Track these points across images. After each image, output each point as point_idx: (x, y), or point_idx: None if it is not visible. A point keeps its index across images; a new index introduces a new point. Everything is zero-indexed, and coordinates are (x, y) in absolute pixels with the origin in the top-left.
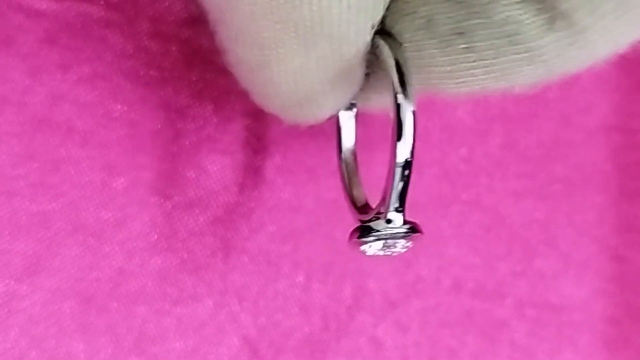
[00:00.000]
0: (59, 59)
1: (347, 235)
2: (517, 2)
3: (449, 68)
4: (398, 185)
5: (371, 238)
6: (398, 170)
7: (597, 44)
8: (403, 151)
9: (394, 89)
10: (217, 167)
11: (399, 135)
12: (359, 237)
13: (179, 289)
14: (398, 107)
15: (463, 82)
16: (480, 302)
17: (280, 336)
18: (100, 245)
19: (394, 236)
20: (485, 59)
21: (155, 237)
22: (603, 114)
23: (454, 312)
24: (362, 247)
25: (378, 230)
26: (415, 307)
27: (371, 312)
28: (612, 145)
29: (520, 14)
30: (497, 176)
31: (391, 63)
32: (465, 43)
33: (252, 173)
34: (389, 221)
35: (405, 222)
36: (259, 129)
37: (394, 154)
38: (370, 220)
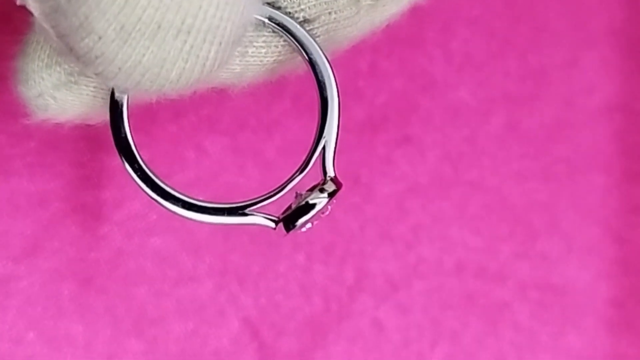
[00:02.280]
0: None
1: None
2: None
3: None
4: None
5: (312, 213)
6: (333, 135)
7: None
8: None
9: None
10: (216, 147)
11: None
12: (295, 222)
13: (178, 270)
14: (314, 67)
15: None
16: (483, 284)
17: (281, 318)
18: (99, 225)
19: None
20: None
21: (155, 217)
22: (605, 95)
23: (456, 294)
24: (304, 227)
25: (315, 205)
26: (417, 288)
27: (373, 293)
28: (615, 126)
29: None
30: (500, 158)
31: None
32: None
33: (251, 154)
34: (322, 190)
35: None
36: (259, 110)
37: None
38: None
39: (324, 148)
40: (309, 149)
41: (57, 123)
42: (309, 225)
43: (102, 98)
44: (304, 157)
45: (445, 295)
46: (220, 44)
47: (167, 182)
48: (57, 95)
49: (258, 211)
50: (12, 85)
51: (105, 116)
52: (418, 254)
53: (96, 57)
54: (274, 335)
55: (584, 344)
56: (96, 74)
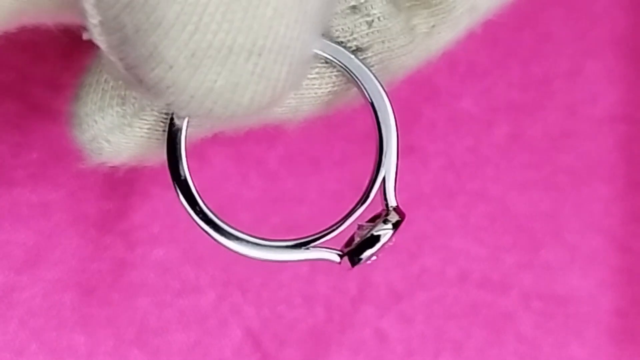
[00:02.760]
0: (60, 48)
1: (344, 265)
2: None
3: None
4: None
5: (378, 246)
6: (392, 165)
7: None
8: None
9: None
10: (219, 157)
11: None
12: (361, 256)
13: (181, 280)
14: (370, 97)
15: None
16: (486, 294)
17: (284, 328)
18: (101, 236)
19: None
20: None
21: (157, 228)
22: (609, 104)
23: (459, 303)
24: (370, 260)
25: (380, 237)
26: (420, 298)
27: (376, 304)
28: (618, 135)
29: None
30: (503, 167)
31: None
32: None
33: (254, 164)
34: (386, 221)
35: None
36: None
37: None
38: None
39: (384, 179)
40: (368, 180)
41: (107, 164)
42: (374, 258)
43: (157, 139)
44: (364, 189)
45: (448, 305)
46: (291, 64)
47: (226, 221)
48: (111, 139)
49: (321, 246)
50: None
51: (161, 157)
52: (421, 264)
53: (167, 87)
54: (276, 346)
55: (587, 353)
56: (167, 105)
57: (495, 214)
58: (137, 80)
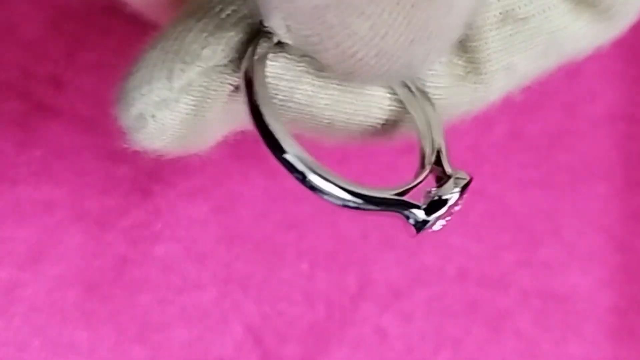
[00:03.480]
0: (63, 46)
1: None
2: None
3: None
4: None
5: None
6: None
7: None
8: None
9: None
10: (220, 155)
11: None
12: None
13: (182, 277)
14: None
15: None
16: (485, 292)
17: (284, 325)
18: (103, 233)
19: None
20: None
21: (159, 225)
22: (608, 103)
23: (458, 301)
24: (436, 225)
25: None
26: (420, 296)
27: (375, 301)
28: (617, 134)
29: None
30: (502, 165)
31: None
32: None
33: (255, 161)
34: (456, 183)
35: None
36: None
37: None
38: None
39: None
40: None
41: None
42: (442, 222)
43: (203, 116)
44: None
45: (447, 302)
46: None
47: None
48: (157, 114)
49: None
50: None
51: (198, 144)
52: (421, 261)
53: None
54: (277, 342)
55: (585, 351)
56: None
57: (495, 212)
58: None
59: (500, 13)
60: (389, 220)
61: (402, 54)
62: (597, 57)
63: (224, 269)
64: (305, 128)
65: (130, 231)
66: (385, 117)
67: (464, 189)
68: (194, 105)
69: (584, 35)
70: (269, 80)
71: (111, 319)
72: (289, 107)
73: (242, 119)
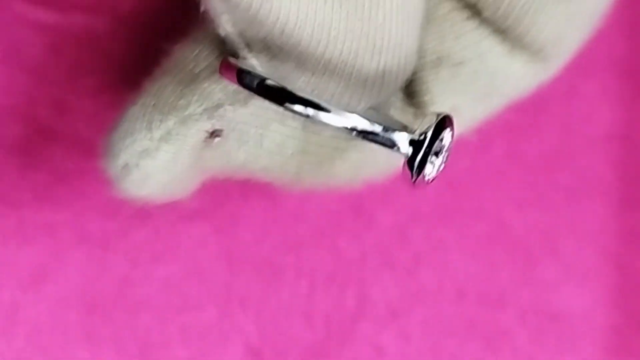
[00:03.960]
0: (65, 70)
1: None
2: None
3: None
4: None
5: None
6: None
7: None
8: None
9: None
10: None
11: None
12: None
13: (183, 297)
14: None
15: None
16: (483, 311)
17: (284, 344)
18: (105, 254)
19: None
20: None
21: (160, 246)
22: (605, 123)
23: (456, 320)
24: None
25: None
26: (418, 315)
27: (374, 320)
28: (614, 154)
29: None
30: (500, 186)
31: None
32: None
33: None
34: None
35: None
36: None
37: None
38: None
39: None
40: None
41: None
42: (437, 162)
43: (182, 163)
44: None
45: (446, 322)
46: (405, 56)
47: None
48: (140, 163)
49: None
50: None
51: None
52: (419, 281)
53: None
54: None
55: None
56: None
57: (493, 232)
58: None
59: (438, 58)
60: (387, 241)
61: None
62: (595, 77)
63: (224, 289)
64: (274, 177)
65: (131, 252)
66: (347, 167)
67: (442, 121)
68: (173, 153)
69: (523, 76)
70: (239, 126)
71: (112, 338)
72: (259, 155)
73: (219, 165)
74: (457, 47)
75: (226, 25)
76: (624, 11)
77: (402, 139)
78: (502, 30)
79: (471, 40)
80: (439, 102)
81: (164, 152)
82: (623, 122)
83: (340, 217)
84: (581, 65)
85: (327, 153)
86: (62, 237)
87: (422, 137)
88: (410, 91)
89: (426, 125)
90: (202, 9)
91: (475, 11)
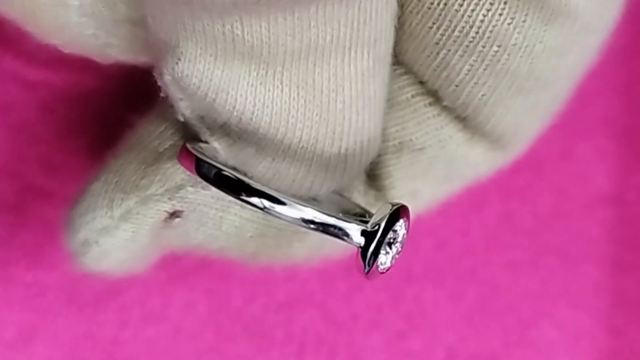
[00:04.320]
0: (55, 129)
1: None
2: None
3: None
4: None
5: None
6: None
7: None
8: None
9: None
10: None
11: None
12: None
13: (172, 358)
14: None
15: None
16: None
17: None
18: (95, 314)
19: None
20: None
21: (150, 306)
22: (599, 185)
23: None
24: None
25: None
26: None
27: None
28: (608, 217)
29: None
30: (493, 247)
31: None
32: None
33: None
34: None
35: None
36: None
37: None
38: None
39: None
40: None
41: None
42: (389, 255)
43: (140, 241)
44: None
45: None
46: (368, 140)
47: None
48: (100, 240)
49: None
50: None
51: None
52: (410, 343)
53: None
54: None
55: None
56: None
57: (484, 293)
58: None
59: (399, 143)
60: (378, 302)
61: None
62: (590, 139)
63: (213, 350)
64: (231, 255)
65: (121, 312)
66: (306, 249)
67: (395, 212)
68: (132, 232)
69: (483, 162)
70: (199, 208)
71: None
72: (217, 236)
73: (176, 243)
74: (419, 133)
75: (185, 111)
76: (619, 71)
77: (354, 231)
78: (462, 119)
79: (432, 127)
80: (398, 186)
81: (123, 230)
82: (617, 185)
83: (331, 278)
84: (576, 127)
85: (286, 236)
86: (51, 297)
87: (375, 228)
88: (372, 174)
89: (380, 216)
90: (162, 94)
91: (436, 98)
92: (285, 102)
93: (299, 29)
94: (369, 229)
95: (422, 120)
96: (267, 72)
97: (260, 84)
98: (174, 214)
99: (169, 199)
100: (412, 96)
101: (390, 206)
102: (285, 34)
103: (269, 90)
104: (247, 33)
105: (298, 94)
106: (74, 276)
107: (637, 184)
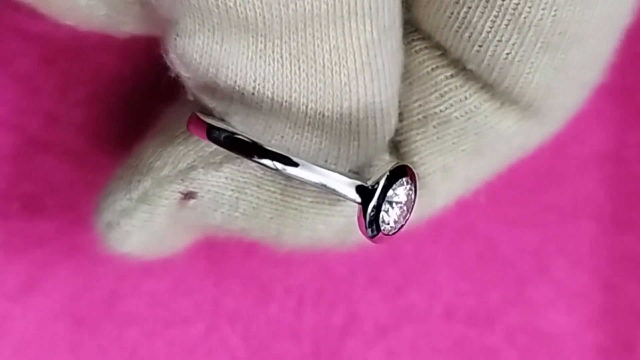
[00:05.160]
0: (55, 81)
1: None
2: None
3: None
4: None
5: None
6: None
7: None
8: None
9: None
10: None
11: None
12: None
13: (170, 311)
14: None
15: None
16: (472, 329)
17: None
18: (94, 266)
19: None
20: None
21: (149, 260)
22: (596, 143)
23: (445, 339)
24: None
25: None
26: (406, 333)
27: (362, 337)
28: (605, 174)
29: None
30: (490, 204)
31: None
32: None
33: None
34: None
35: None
36: None
37: None
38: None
39: None
40: None
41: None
42: (394, 216)
43: (159, 222)
44: None
45: (434, 340)
46: (381, 115)
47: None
48: (121, 222)
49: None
50: None
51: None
52: (408, 298)
53: None
54: None
55: None
56: None
57: (482, 250)
58: None
59: (424, 117)
60: (376, 258)
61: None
62: (587, 99)
63: (212, 304)
64: (256, 237)
65: (120, 265)
66: (332, 232)
67: (396, 171)
68: (149, 213)
69: (515, 134)
70: (215, 190)
71: (100, 352)
72: (236, 217)
73: (198, 225)
74: (442, 106)
75: (193, 89)
76: None
77: (349, 186)
78: (489, 86)
79: (456, 98)
80: (428, 162)
81: (141, 212)
82: (615, 143)
83: None
84: None
85: (308, 218)
86: (51, 249)
87: (375, 186)
88: (401, 152)
89: (379, 174)
90: (173, 74)
91: (460, 66)
92: (287, 76)
93: None
94: (367, 185)
95: (444, 93)
96: (265, 46)
97: (260, 57)
98: (188, 195)
99: (182, 180)
100: (432, 69)
101: (390, 165)
102: (278, 4)
103: (268, 65)
104: (240, 4)
105: (299, 67)
106: (73, 228)
107: (634, 142)
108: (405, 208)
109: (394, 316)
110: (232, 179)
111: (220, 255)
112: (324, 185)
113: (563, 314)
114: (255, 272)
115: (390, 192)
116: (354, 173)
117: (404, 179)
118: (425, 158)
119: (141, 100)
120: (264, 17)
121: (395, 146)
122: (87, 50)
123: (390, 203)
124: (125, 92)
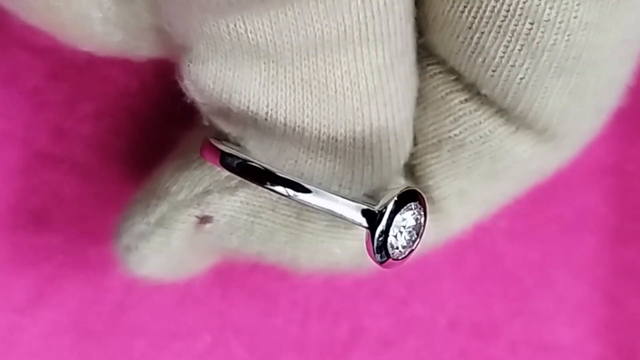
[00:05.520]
0: (63, 95)
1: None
2: None
3: None
4: None
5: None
6: None
7: None
8: None
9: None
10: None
11: None
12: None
13: (177, 324)
14: None
15: None
16: (475, 342)
17: None
18: (101, 279)
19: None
20: None
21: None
22: (599, 156)
23: (448, 351)
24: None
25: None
26: (411, 345)
27: (367, 350)
28: (608, 187)
29: None
30: (494, 217)
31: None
32: None
33: None
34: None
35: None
36: None
37: None
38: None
39: None
40: None
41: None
42: (402, 241)
43: (175, 246)
44: None
45: (438, 352)
46: (395, 138)
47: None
48: (139, 245)
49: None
50: None
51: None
52: (412, 311)
53: None
54: None
55: None
56: None
57: (486, 262)
58: None
59: (438, 141)
60: (380, 270)
61: None
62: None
63: (218, 316)
64: (272, 260)
65: (127, 278)
66: (348, 256)
67: (402, 197)
68: (166, 236)
69: (531, 158)
70: (230, 214)
71: None
72: (252, 241)
73: (215, 249)
74: (457, 130)
75: (208, 114)
76: None
77: (355, 210)
78: (503, 110)
79: (470, 123)
80: (443, 186)
81: (158, 235)
82: (617, 155)
83: None
84: None
85: (324, 242)
86: (58, 262)
87: (382, 210)
88: (416, 177)
89: (387, 198)
90: (189, 100)
91: (474, 91)
92: (299, 101)
93: (301, 23)
94: (374, 210)
95: (458, 117)
96: (277, 72)
97: (272, 83)
98: (204, 219)
99: (198, 204)
100: (447, 94)
101: (399, 189)
102: (289, 30)
103: (280, 90)
104: (251, 31)
105: (311, 92)
106: (80, 241)
107: (637, 155)
108: (414, 232)
109: (399, 328)
110: (247, 203)
111: (226, 268)
112: (332, 211)
113: (565, 326)
114: (260, 285)
115: (398, 217)
116: (369, 197)
117: (412, 204)
118: (440, 182)
119: (149, 115)
120: (274, 44)
121: (410, 170)
122: (95, 65)
123: (399, 228)
124: (133, 106)
